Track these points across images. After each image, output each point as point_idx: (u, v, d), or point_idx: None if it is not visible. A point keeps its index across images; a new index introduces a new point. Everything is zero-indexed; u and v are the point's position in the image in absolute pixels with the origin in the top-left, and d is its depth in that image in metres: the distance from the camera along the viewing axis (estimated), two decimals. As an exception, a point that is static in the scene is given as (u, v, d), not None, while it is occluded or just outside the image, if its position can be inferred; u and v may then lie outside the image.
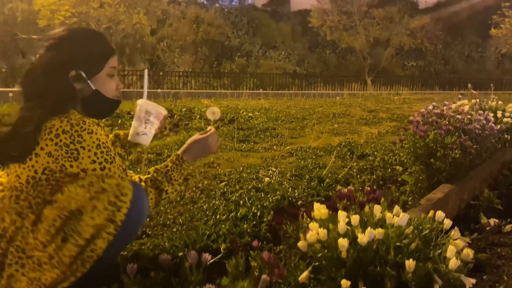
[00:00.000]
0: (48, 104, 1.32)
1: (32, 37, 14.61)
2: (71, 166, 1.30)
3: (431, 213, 1.43)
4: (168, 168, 1.48)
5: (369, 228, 1.26)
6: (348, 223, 1.34)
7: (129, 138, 1.59)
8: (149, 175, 1.50)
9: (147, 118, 1.55)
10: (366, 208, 1.46)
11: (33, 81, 1.36)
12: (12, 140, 1.32)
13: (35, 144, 1.30)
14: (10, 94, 7.31)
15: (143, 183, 1.49)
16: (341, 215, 1.34)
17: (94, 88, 1.41)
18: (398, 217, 1.31)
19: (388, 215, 1.30)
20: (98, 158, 1.30)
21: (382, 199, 1.58)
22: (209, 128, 1.63)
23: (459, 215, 2.58)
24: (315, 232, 1.31)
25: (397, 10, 22.60)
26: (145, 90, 1.65)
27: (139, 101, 1.57)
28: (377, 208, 1.40)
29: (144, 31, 15.03)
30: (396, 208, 1.44)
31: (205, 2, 29.42)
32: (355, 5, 21.38)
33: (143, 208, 1.39)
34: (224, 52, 23.03)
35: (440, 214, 1.43)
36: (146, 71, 1.77)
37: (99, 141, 1.30)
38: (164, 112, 1.60)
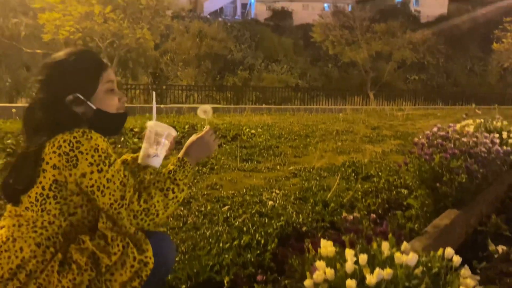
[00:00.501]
0: (50, 135, 1.31)
1: (36, 52, 14.75)
2: (71, 175, 1.28)
3: (440, 251, 1.39)
4: (170, 169, 1.42)
5: (377, 268, 1.22)
6: (356, 262, 1.30)
7: (139, 161, 1.54)
8: (152, 180, 1.44)
9: (157, 139, 1.51)
10: (374, 245, 1.42)
11: (33, 117, 1.36)
12: (15, 175, 1.33)
13: (36, 176, 1.30)
14: (13, 110, 7.33)
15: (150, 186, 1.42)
16: (349, 253, 1.31)
17: (95, 107, 1.40)
18: (407, 256, 1.27)
19: (397, 255, 1.27)
20: (95, 160, 1.27)
21: (390, 234, 1.54)
22: (205, 128, 1.58)
23: (466, 242, 2.53)
24: (322, 271, 1.27)
25: (399, 24, 22.74)
26: (154, 111, 1.63)
27: (149, 123, 1.53)
28: (385, 245, 1.37)
29: (148, 45, 15.14)
30: (405, 244, 1.40)
31: (208, 16, 29.74)
32: (357, 20, 21.53)
33: (167, 260, 1.39)
34: (227, 66, 23.18)
35: (449, 251, 1.39)
36: (154, 93, 1.76)
37: (97, 145, 1.29)
38: (174, 133, 1.56)
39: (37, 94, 1.39)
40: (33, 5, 13.53)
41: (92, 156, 1.27)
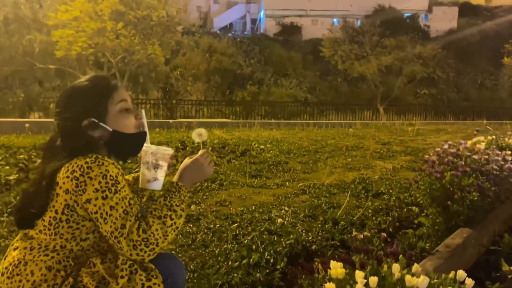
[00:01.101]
0: (67, 160, 1.33)
1: (49, 67, 15.03)
2: (80, 200, 1.29)
3: (452, 274, 1.37)
4: (166, 196, 1.41)
5: (388, 292, 1.21)
6: (366, 284, 1.29)
7: (140, 185, 1.56)
8: (149, 208, 1.41)
9: (155, 163, 1.51)
10: (385, 266, 1.41)
11: (53, 144, 1.41)
12: (31, 199, 1.36)
13: (50, 199, 1.32)
14: (27, 125, 7.44)
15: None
16: (359, 275, 1.29)
17: (111, 129, 1.41)
18: (418, 279, 1.26)
19: (408, 278, 1.25)
20: (101, 187, 1.27)
21: (401, 256, 1.53)
22: (200, 151, 1.56)
23: (479, 261, 2.49)
24: (331, 294, 1.26)
25: (409, 38, 22.81)
26: (146, 131, 1.56)
27: (144, 148, 1.54)
28: (395, 267, 1.35)
29: (158, 60, 15.35)
30: (416, 267, 1.39)
31: (218, 32, 30.09)
32: (366, 34, 21.64)
33: (177, 283, 1.41)
34: (236, 80, 23.35)
35: (461, 273, 1.37)
36: (143, 111, 1.64)
37: (107, 172, 1.28)
38: (170, 151, 1.55)
39: (55, 122, 1.43)
40: (47, 22, 13.84)
41: (99, 183, 1.27)
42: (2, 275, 1.32)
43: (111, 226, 1.26)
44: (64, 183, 1.29)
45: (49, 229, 1.33)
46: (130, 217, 1.28)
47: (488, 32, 28.29)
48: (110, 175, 1.29)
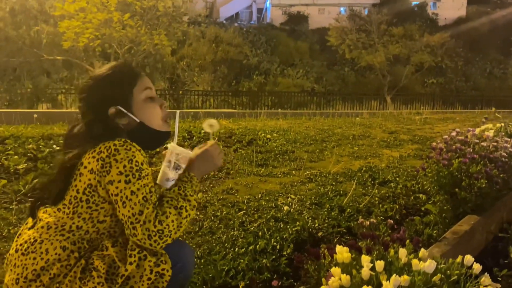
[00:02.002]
0: (92, 146, 1.34)
1: (56, 58, 15.08)
2: (104, 180, 1.30)
3: (459, 258, 1.36)
4: (180, 186, 1.41)
5: (394, 275, 1.21)
6: (372, 268, 1.29)
7: (158, 182, 1.55)
8: (164, 197, 1.40)
9: (177, 163, 1.49)
10: (391, 251, 1.40)
11: (75, 132, 1.42)
12: (50, 188, 1.38)
13: (67, 186, 1.35)
14: (35, 115, 7.50)
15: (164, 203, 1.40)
16: (365, 260, 1.29)
17: (138, 120, 1.42)
18: (425, 263, 1.25)
19: (415, 262, 1.25)
20: (126, 170, 1.28)
21: (407, 241, 1.52)
22: (209, 141, 1.55)
23: (487, 249, 2.48)
24: (337, 277, 1.26)
25: (417, 27, 22.54)
26: (176, 132, 1.58)
27: (170, 146, 1.52)
28: (402, 252, 1.35)
29: (165, 51, 15.33)
30: (423, 251, 1.38)
31: (224, 22, 29.94)
32: (373, 23, 21.41)
33: (186, 268, 1.42)
34: (243, 71, 23.28)
35: (469, 258, 1.36)
36: (178, 112, 1.67)
37: (133, 157, 1.29)
38: (191, 154, 1.55)
39: (79, 111, 1.44)
40: (54, 13, 13.85)
41: (124, 166, 1.28)
42: (16, 251, 1.35)
43: (129, 211, 1.27)
44: (89, 162, 1.31)
45: (68, 208, 1.35)
46: (148, 204, 1.29)
47: (497, 20, 27.87)
48: (136, 161, 1.30)
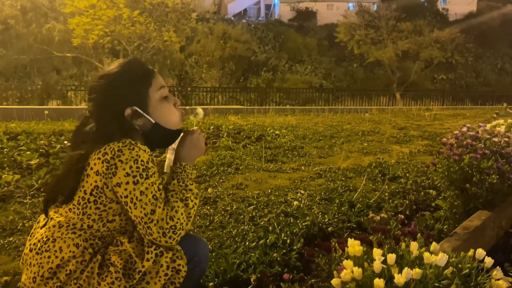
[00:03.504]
0: (100, 146, 1.32)
1: (66, 55, 15.19)
2: (110, 182, 1.30)
3: (471, 252, 1.36)
4: (178, 178, 1.41)
5: (406, 268, 1.21)
6: (384, 261, 1.29)
7: (165, 170, 1.58)
8: (168, 193, 1.41)
9: None
10: (403, 245, 1.41)
11: (84, 131, 1.41)
12: (60, 185, 1.39)
13: (78, 185, 1.35)
14: (46, 112, 7.57)
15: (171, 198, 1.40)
16: (377, 253, 1.30)
17: (153, 121, 1.41)
18: (437, 256, 1.26)
19: (426, 255, 1.25)
20: (132, 171, 1.27)
21: (419, 234, 1.52)
22: (192, 128, 1.55)
23: (498, 244, 2.47)
24: (349, 270, 1.27)
25: (426, 22, 22.31)
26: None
27: None
28: (414, 246, 1.35)
29: (174, 47, 15.37)
30: (434, 245, 1.38)
31: (232, 18, 29.91)
32: (382, 19, 21.24)
33: (202, 262, 1.44)
34: (251, 67, 23.25)
35: (480, 252, 1.36)
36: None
37: (138, 157, 1.29)
38: None
39: (89, 107, 1.42)
40: (63, 10, 13.95)
41: (131, 167, 1.27)
42: (31, 251, 1.36)
43: (141, 212, 1.28)
44: (95, 164, 1.30)
45: (77, 208, 1.35)
46: (159, 203, 1.30)
47: (509, 15, 27.48)
48: (141, 160, 1.29)
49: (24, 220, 2.55)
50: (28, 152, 3.90)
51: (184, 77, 21.34)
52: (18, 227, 2.45)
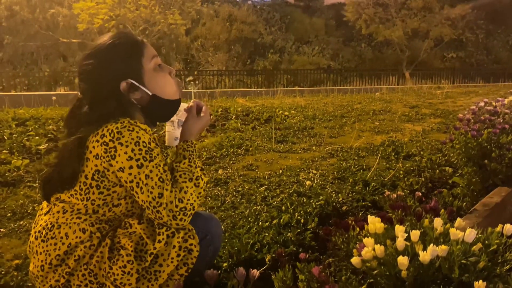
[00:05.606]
0: (98, 127, 1.25)
1: (72, 41, 15.13)
2: (111, 165, 1.23)
3: (499, 227, 1.30)
4: (189, 158, 1.34)
5: (431, 245, 1.15)
6: (407, 238, 1.23)
7: (166, 144, 1.54)
8: (176, 172, 1.34)
9: (180, 120, 1.49)
10: (426, 222, 1.34)
11: (79, 112, 1.31)
12: (59, 171, 1.31)
13: (79, 171, 1.28)
14: (54, 98, 7.55)
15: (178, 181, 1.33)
16: (399, 230, 1.24)
17: (150, 93, 1.33)
18: (465, 232, 1.19)
19: (453, 231, 1.19)
20: (135, 154, 1.20)
21: (442, 210, 1.46)
22: (190, 102, 1.49)
23: (519, 221, 2.39)
24: (371, 248, 1.21)
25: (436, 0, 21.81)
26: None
27: None
28: (438, 222, 1.29)
29: (179, 31, 15.24)
30: (459, 221, 1.32)
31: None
32: (391, -4, 20.82)
33: (215, 241, 1.41)
34: (257, 49, 23.02)
35: (509, 227, 1.30)
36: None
37: (139, 138, 1.21)
38: (185, 106, 1.48)
39: (81, 88, 1.33)
40: (68, -5, 13.86)
41: (132, 150, 1.20)
42: (36, 238, 1.31)
43: (148, 196, 1.22)
44: (94, 147, 1.23)
45: (80, 194, 1.29)
46: (166, 185, 1.23)
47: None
48: (143, 142, 1.22)
49: (34, 204, 2.53)
50: (37, 137, 3.88)
51: (191, 61, 21.21)
52: (28, 211, 2.43)
